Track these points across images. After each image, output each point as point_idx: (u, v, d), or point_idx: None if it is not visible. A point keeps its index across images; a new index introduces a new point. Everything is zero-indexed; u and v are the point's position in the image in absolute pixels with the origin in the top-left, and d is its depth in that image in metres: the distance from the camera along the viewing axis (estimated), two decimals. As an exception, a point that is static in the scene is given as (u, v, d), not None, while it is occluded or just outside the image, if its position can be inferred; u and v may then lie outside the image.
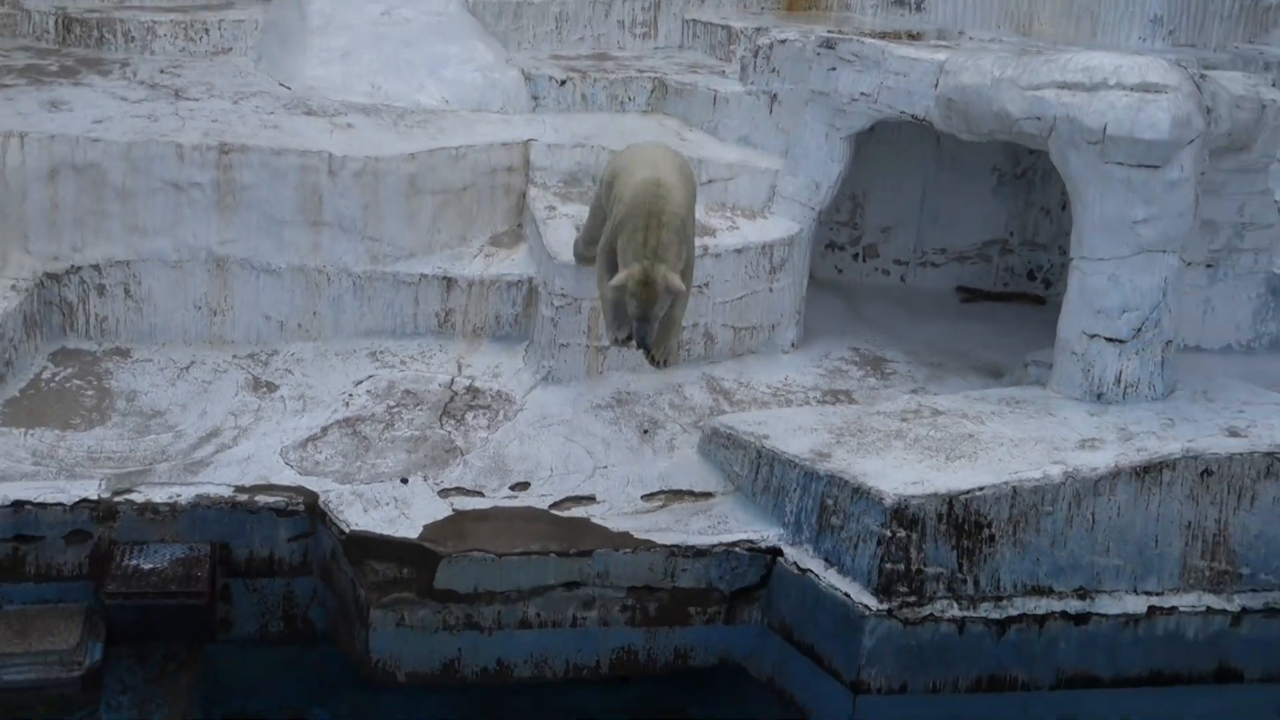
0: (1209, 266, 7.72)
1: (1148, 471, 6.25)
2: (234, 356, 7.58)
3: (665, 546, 6.24)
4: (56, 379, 7.24)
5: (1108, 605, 6.23)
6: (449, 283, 7.75)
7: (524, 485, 6.64)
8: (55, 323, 7.55)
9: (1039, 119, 6.79)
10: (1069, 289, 6.99)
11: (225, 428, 6.96)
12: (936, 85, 7.26)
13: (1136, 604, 6.25)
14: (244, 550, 6.40)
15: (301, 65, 8.82)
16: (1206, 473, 6.31)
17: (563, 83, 8.81)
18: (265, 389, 7.32)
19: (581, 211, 7.75)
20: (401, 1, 9.21)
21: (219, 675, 6.34)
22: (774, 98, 8.23)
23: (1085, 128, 6.62)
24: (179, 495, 6.34)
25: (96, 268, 7.53)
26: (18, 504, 6.17)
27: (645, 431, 7.09)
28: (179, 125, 7.77)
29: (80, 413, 6.98)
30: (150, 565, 6.23)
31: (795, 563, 6.26)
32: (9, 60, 8.85)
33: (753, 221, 7.93)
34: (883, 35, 8.56)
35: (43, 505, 6.19)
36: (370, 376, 7.47)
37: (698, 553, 6.27)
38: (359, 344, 7.72)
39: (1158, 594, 6.31)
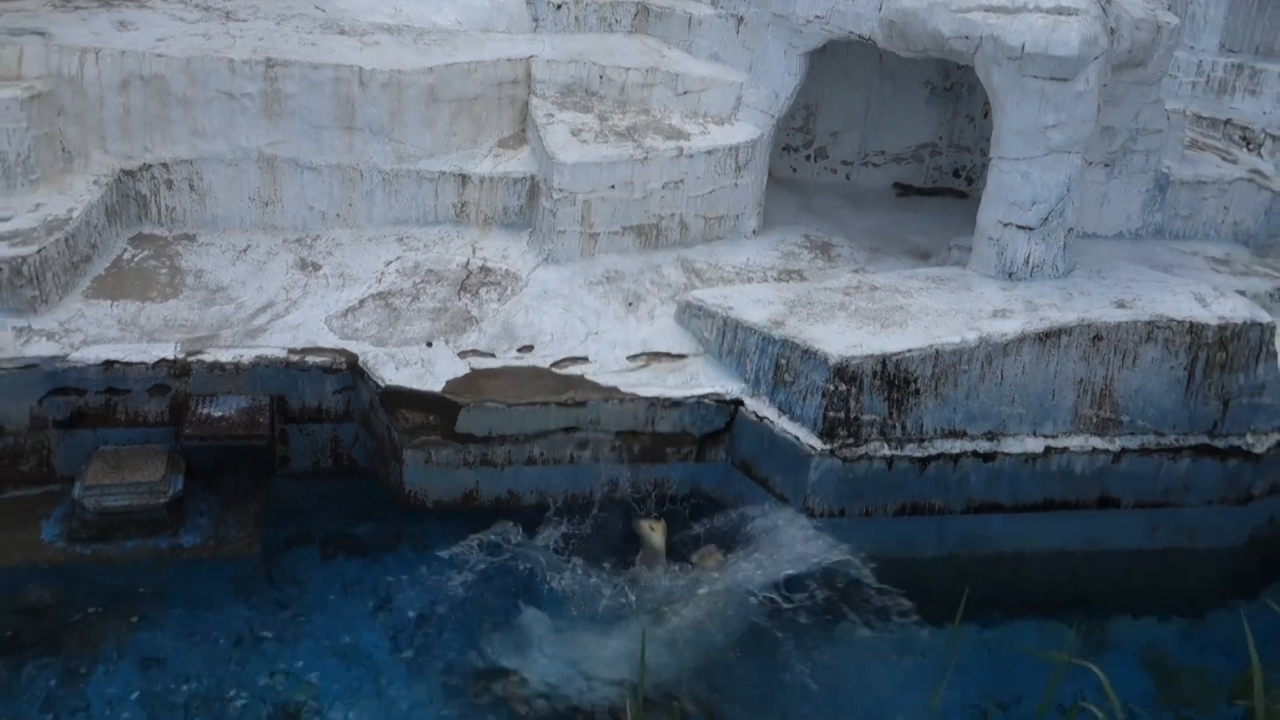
0: (1106, 165, 7.88)
1: (1048, 337, 6.51)
2: (283, 241, 7.72)
3: (647, 398, 6.52)
4: (135, 260, 7.38)
5: (1011, 446, 6.55)
6: (464, 179, 7.88)
7: (529, 348, 6.85)
8: (132, 212, 7.67)
9: (967, 38, 6.89)
10: (988, 184, 7.16)
11: (278, 300, 7.13)
12: (880, 9, 7.33)
13: (1035, 445, 6.57)
14: (297, 401, 6.65)
15: (334, -10, 8.86)
16: (1097, 338, 6.58)
17: (559, 7, 8.86)
18: (311, 268, 7.48)
19: (576, 119, 7.88)
20: (420, -66, 9.20)
21: (280, 503, 6.61)
22: (740, 20, 8.30)
23: (1006, 45, 6.74)
24: (241, 356, 6.57)
25: (165, 165, 7.63)
26: (108, 363, 6.40)
27: (630, 304, 7.30)
28: (230, 43, 7.82)
29: (156, 288, 7.13)
30: (220, 413, 6.49)
31: (754, 411, 6.54)
32: (80, -15, 8.84)
33: (721, 127, 8.04)
34: (835, -35, 8.58)
35: (129, 364, 6.43)
36: (398, 258, 7.63)
37: (674, 403, 6.54)
38: (388, 230, 7.87)
39: (1053, 437, 6.62)
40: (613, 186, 7.53)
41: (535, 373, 6.63)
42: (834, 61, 8.58)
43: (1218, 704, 5.52)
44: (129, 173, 7.59)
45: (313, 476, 6.80)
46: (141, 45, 7.63)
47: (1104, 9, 6.98)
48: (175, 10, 8.42)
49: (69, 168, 7.48)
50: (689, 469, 6.73)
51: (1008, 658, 5.81)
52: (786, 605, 6.10)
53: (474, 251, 7.74)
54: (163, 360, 6.47)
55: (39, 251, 6.64)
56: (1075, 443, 6.62)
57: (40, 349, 6.42)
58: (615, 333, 7.02)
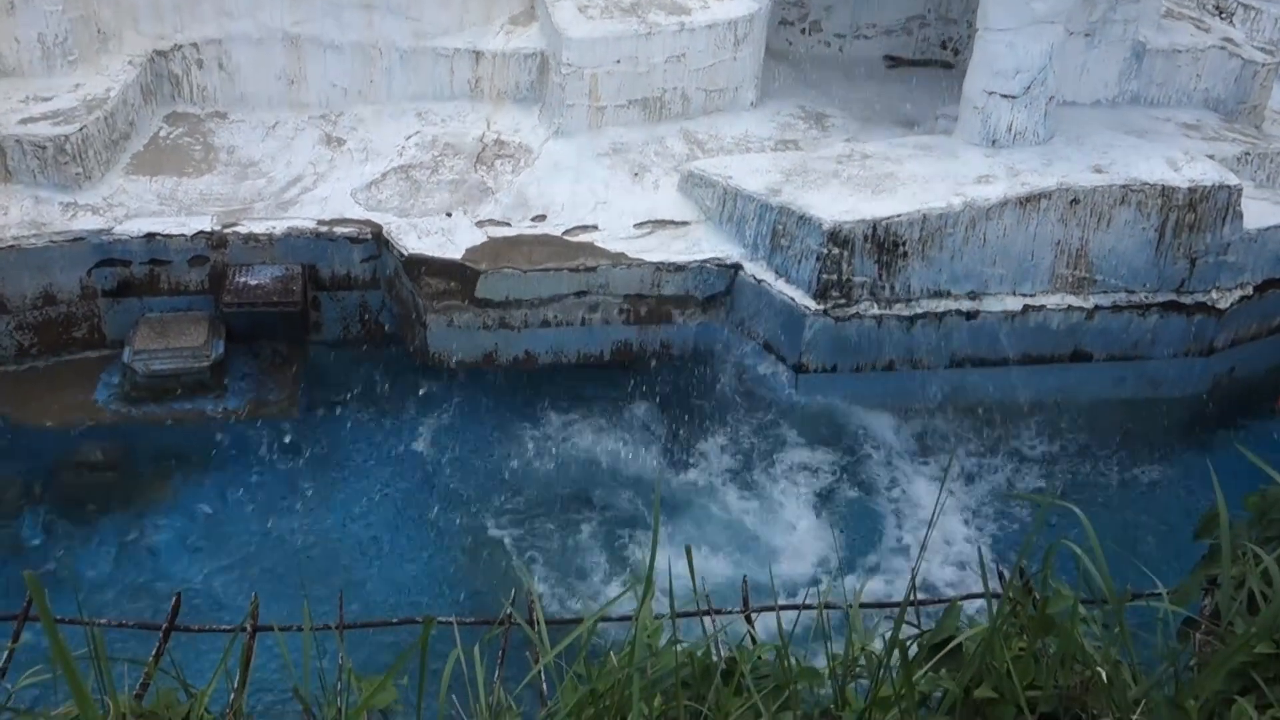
0: (1086, 35, 7.36)
1: (1029, 201, 6.16)
2: (309, 117, 7.30)
3: (652, 263, 6.20)
4: (170, 137, 6.99)
5: (992, 305, 6.25)
6: (477, 55, 7.40)
7: (542, 217, 6.50)
8: (166, 91, 7.23)
9: (956, -89, 6.37)
10: (973, 54, 6.69)
11: (306, 174, 6.76)
12: (873, -117, 6.78)
13: (1015, 303, 6.28)
14: (327, 269, 6.35)
15: None
16: (1075, 201, 6.22)
17: (565, -115, 8.20)
18: (336, 143, 7.08)
19: (583, -5, 7.36)
20: None
21: (314, 367, 6.39)
22: (739, -104, 7.68)
23: (993, -83, 6.22)
24: (274, 227, 6.24)
25: (195, 45, 7.16)
26: (150, 235, 6.10)
27: (636, 174, 6.91)
28: (253, -77, 7.27)
29: (191, 163, 6.77)
30: (256, 281, 6.20)
31: (753, 275, 6.23)
32: None
33: (721, 2, 7.48)
34: None
35: (169, 235, 6.12)
36: (418, 132, 7.22)
37: (677, 268, 6.23)
38: (408, 106, 7.42)
39: (1031, 295, 6.32)
40: (618, 61, 7.05)
41: (548, 240, 6.30)
42: (828, -64, 7.99)
43: (1185, 541, 5.34)
44: (161, 52, 7.12)
45: (344, 342, 6.53)
46: (167, -73, 7.09)
47: (1089, -122, 6.41)
48: (198, -107, 7.80)
49: (104, 48, 7.01)
50: (692, 329, 6.44)
51: (996, 502, 5.63)
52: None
53: (488, 125, 7.31)
54: (201, 232, 6.15)
55: (80, 129, 6.28)
56: (1052, 301, 6.32)
57: (86, 223, 6.11)
58: (622, 202, 6.65)
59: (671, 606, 1.66)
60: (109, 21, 7.04)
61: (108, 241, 6.06)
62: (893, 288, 6.12)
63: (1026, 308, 6.26)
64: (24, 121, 6.28)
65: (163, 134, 6.99)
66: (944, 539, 5.49)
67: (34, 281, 6.02)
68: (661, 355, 6.48)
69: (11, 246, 5.92)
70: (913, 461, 5.99)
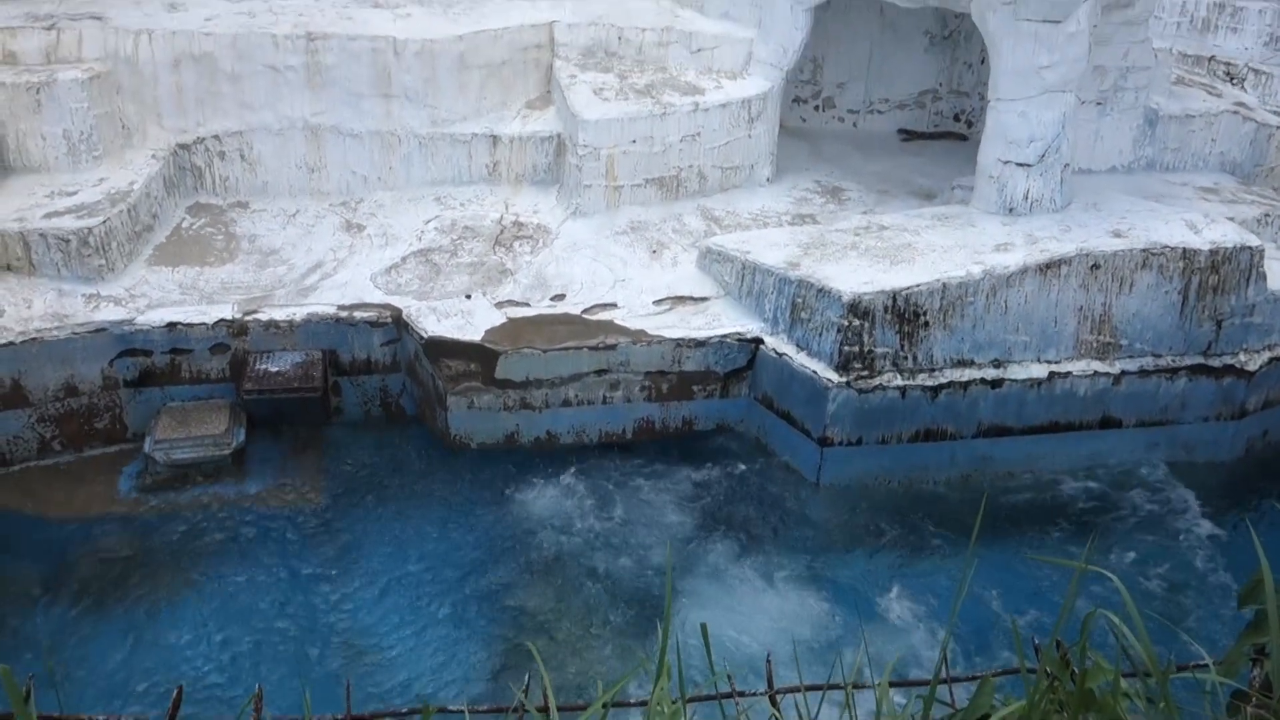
0: (1098, 103, 7.41)
1: (1049, 267, 6.12)
2: (329, 204, 7.39)
3: (673, 339, 6.18)
4: (193, 227, 7.07)
5: (1017, 372, 6.18)
6: (495, 140, 7.50)
7: (561, 296, 6.51)
8: (188, 183, 7.34)
9: (963, -14, 6.44)
10: (987, 125, 6.72)
11: (326, 260, 6.81)
12: (880, -38, 6.88)
13: (1040, 370, 6.20)
14: (348, 354, 6.36)
15: (367, -33, 8.40)
16: (1095, 266, 6.18)
17: (578, -27, 8.38)
18: (355, 229, 7.14)
19: (598, 78, 7.47)
20: (445, -90, 8.71)
21: (335, 451, 6.35)
22: (749, -21, 7.82)
23: (1001, -9, 6.28)
24: (295, 314, 6.27)
25: (217, 138, 7.29)
26: (172, 324, 6.13)
27: (654, 251, 6.93)
28: (273, 19, 7.44)
29: (213, 253, 6.83)
30: (276, 368, 6.21)
31: (774, 348, 6.19)
32: (134, -27, 8.45)
33: (734, 81, 7.60)
34: (836, -77, 8.08)
35: (190, 325, 6.16)
36: (437, 216, 7.28)
37: (698, 343, 6.20)
38: (426, 191, 7.50)
39: (1056, 362, 6.24)
40: (634, 141, 7.13)
41: (568, 319, 6.30)
42: (838, 15, 8.09)
43: (1229, 608, 5.16)
44: (184, 146, 7.25)
45: (365, 425, 6.52)
46: (191, 25, 7.26)
47: (1094, -48, 6.48)
48: (221, -8, 8.01)
49: (129, 143, 7.15)
50: (715, 405, 6.40)
51: (1024, 568, 5.46)
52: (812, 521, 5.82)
53: (507, 208, 7.37)
54: (222, 320, 6.19)
55: (104, 222, 6.37)
56: (1077, 367, 6.23)
57: (109, 314, 6.16)
58: (641, 279, 6.66)
59: (682, 690, 1.58)
60: (133, 117, 7.18)
61: (129, 332, 6.09)
62: (915, 358, 6.05)
63: (1052, 374, 6.18)
64: (49, 216, 6.38)
65: (185, 224, 7.07)
66: (974, 610, 5.32)
67: (56, 373, 6.05)
68: (684, 431, 6.42)
69: (34, 339, 5.95)
70: (940, 532, 5.85)
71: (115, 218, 6.44)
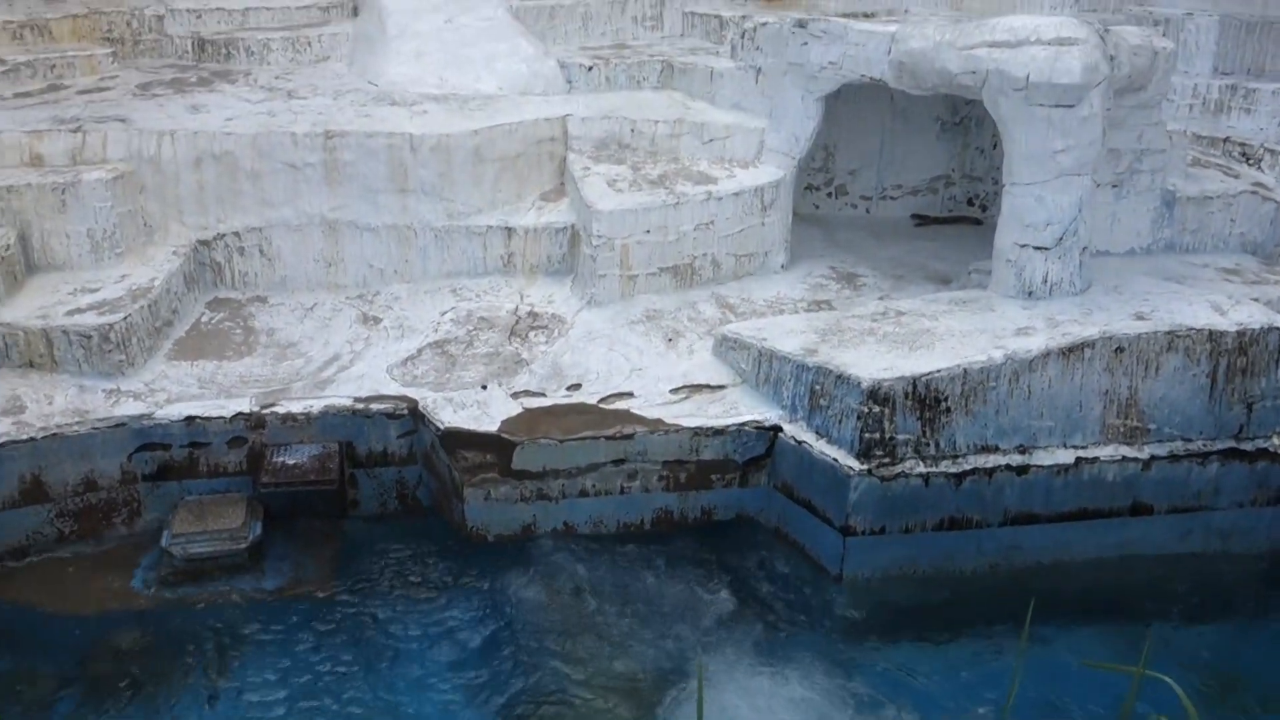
0: (1114, 186, 7.42)
1: (1072, 351, 6.07)
2: (346, 297, 7.45)
3: (690, 428, 6.13)
4: (212, 322, 7.14)
5: (1043, 458, 6.08)
6: (509, 232, 7.57)
7: (577, 386, 6.50)
8: (208, 278, 7.43)
9: (974, 73, 6.51)
10: (1002, 209, 6.73)
11: (343, 353, 6.84)
12: (889, 52, 6.98)
13: (1066, 456, 6.10)
14: (364, 446, 6.34)
15: (384, 66, 8.60)
16: (1119, 350, 6.12)
17: (590, 68, 8.55)
18: (372, 321, 7.19)
19: (611, 170, 7.57)
20: (460, 11, 8.95)
21: (352, 544, 6.29)
22: (759, 70, 7.96)
23: (1012, 77, 6.34)
24: (312, 406, 6.28)
25: (236, 234, 7.40)
26: (189, 418, 6.14)
27: (669, 340, 6.93)
28: (293, 119, 7.60)
29: (232, 347, 6.88)
30: (293, 461, 6.20)
31: (793, 436, 6.13)
32: (158, 75, 8.69)
33: (747, 170, 7.69)
34: (843, 15, 8.24)
35: (208, 418, 6.16)
36: (453, 308, 7.33)
37: (716, 432, 6.15)
38: (442, 283, 7.57)
39: (1083, 447, 6.15)
40: (648, 231, 7.18)
41: (584, 409, 6.27)
42: (848, 103, 8.20)
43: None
44: (204, 242, 7.36)
45: (381, 517, 6.46)
46: (212, 125, 7.43)
47: (1102, 38, 6.55)
48: (242, 92, 8.22)
49: (150, 240, 7.25)
50: (734, 494, 6.32)
51: (1063, 667, 5.29)
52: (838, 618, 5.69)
53: (522, 298, 7.42)
54: (239, 414, 6.20)
55: (125, 319, 6.43)
56: (1105, 452, 6.14)
57: (128, 408, 6.18)
58: (657, 368, 6.65)
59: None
60: (155, 215, 7.31)
61: (148, 426, 6.11)
62: (938, 444, 5.98)
63: (1079, 460, 6.09)
64: (71, 313, 6.45)
65: (205, 319, 7.14)
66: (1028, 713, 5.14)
67: (76, 468, 6.05)
68: (703, 521, 6.34)
69: (55, 434, 5.98)
70: (971, 625, 5.72)
71: (136, 314, 6.51)
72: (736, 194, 7.41)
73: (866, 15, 8.99)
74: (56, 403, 6.18)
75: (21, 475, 5.95)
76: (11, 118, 7.50)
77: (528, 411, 6.20)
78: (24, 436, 5.91)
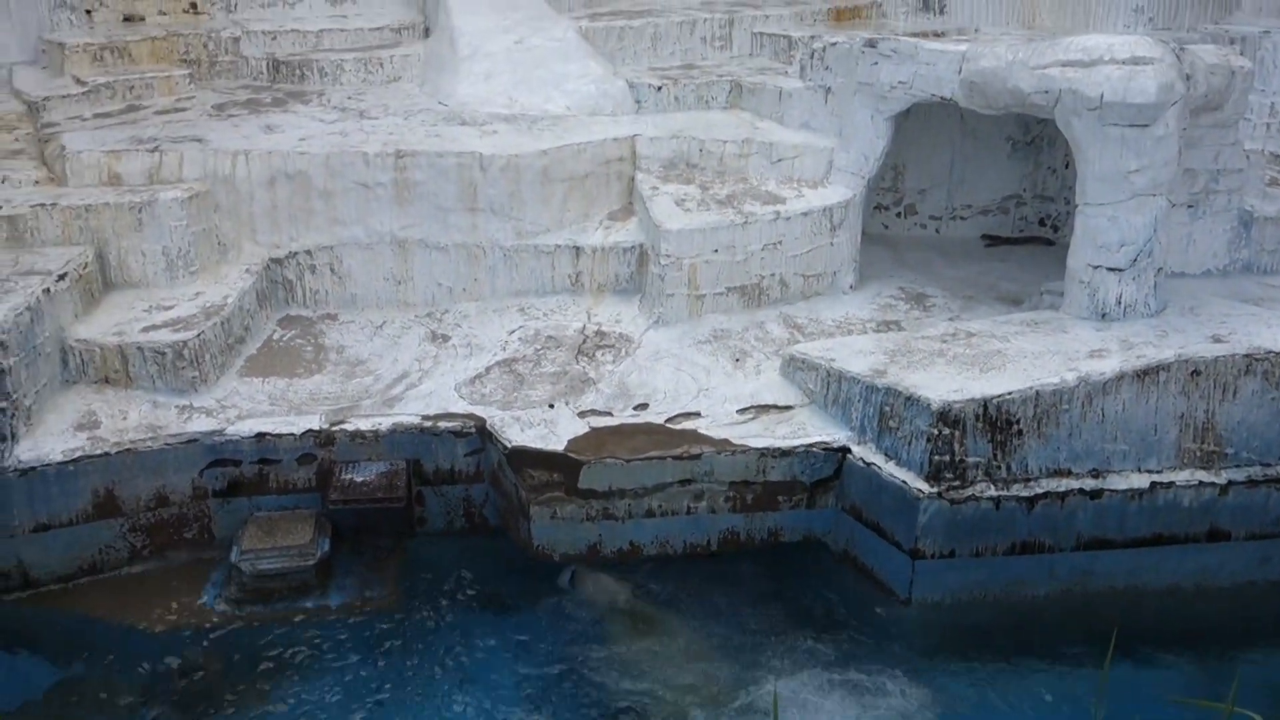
0: (1190, 206, 7.31)
1: (1147, 374, 5.99)
2: (415, 316, 7.55)
3: (758, 449, 6.14)
4: (283, 339, 7.28)
5: (1117, 482, 6.00)
6: (577, 251, 7.64)
7: (644, 405, 6.53)
8: (280, 296, 7.58)
9: (1047, 92, 6.47)
10: (1075, 230, 6.67)
11: (412, 371, 6.94)
12: (960, 71, 6.97)
13: (1141, 480, 6.01)
14: (431, 464, 6.42)
15: (455, 86, 8.73)
16: (1196, 373, 6.03)
17: (659, 88, 8.61)
18: (441, 340, 7.29)
19: (679, 190, 7.61)
20: (530, 32, 9.06)
21: (418, 561, 6.37)
22: (828, 90, 7.96)
23: (1086, 97, 6.30)
24: (380, 424, 6.37)
25: (308, 252, 7.54)
26: (260, 435, 6.27)
27: (737, 360, 6.94)
28: (364, 138, 7.74)
29: (302, 364, 7.01)
30: (361, 478, 6.29)
31: (861, 458, 6.11)
32: (233, 96, 8.90)
33: (815, 190, 7.70)
34: (914, 35, 8.23)
35: (279, 435, 6.28)
36: (520, 326, 7.40)
37: (783, 453, 6.15)
38: (510, 302, 7.65)
39: (1158, 472, 6.05)
40: (716, 250, 7.21)
41: (650, 429, 6.30)
42: (918, 123, 8.18)
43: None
44: (277, 260, 7.51)
45: (447, 535, 6.53)
46: (286, 145, 7.59)
47: (1178, 57, 6.49)
48: (315, 112, 8.40)
49: (224, 258, 7.43)
50: (801, 516, 6.31)
51: (1145, 701, 5.18)
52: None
53: (589, 317, 7.47)
54: (309, 431, 6.32)
55: (198, 336, 6.58)
56: (1181, 477, 6.04)
57: (200, 425, 6.32)
58: (724, 388, 6.66)
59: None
60: (229, 234, 7.48)
61: (219, 442, 6.24)
62: (1009, 467, 5.93)
63: (1154, 485, 5.99)
64: (146, 330, 6.61)
65: (276, 336, 7.28)
66: None
67: (148, 484, 6.20)
68: (770, 543, 6.33)
69: (129, 450, 6.12)
70: (1043, 651, 5.64)
71: (209, 331, 6.65)
72: (805, 214, 7.42)
73: (937, 34, 8.98)
74: (130, 418, 6.33)
75: (95, 490, 6.10)
76: (91, 138, 7.73)
77: (594, 431, 6.24)
78: (98, 451, 6.07)
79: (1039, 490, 5.92)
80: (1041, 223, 8.77)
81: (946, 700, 5.44)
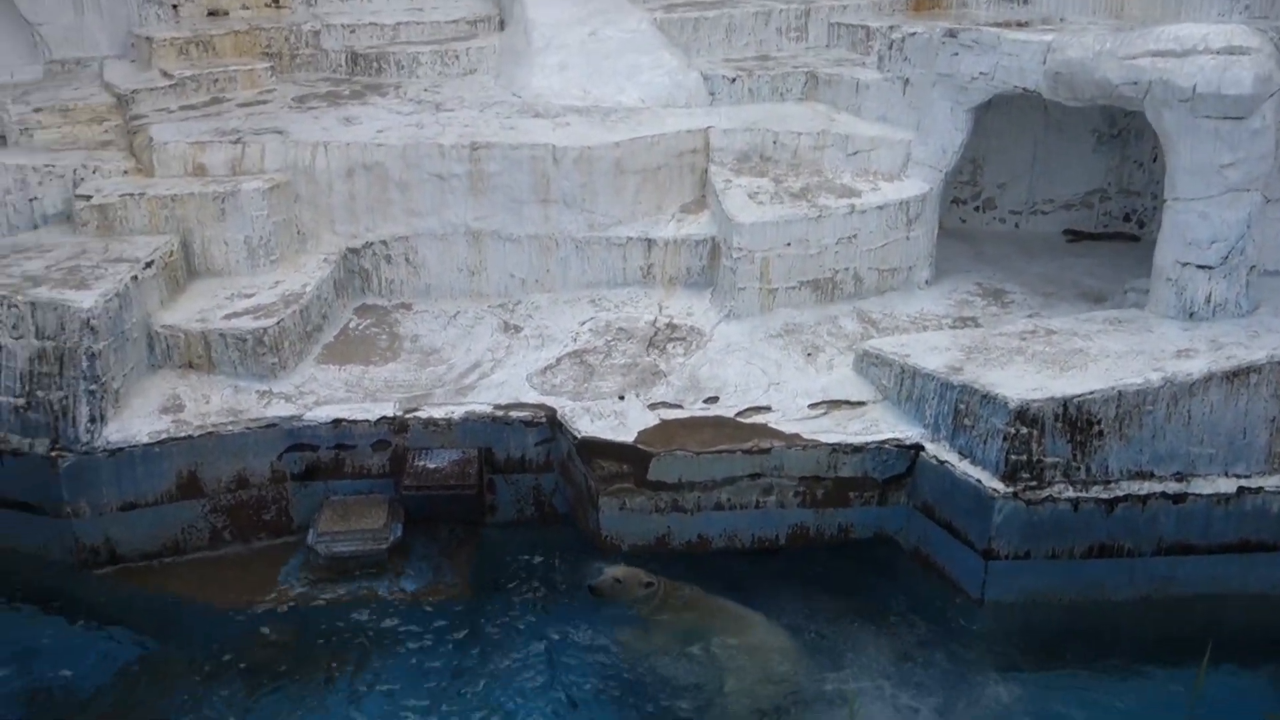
0: (1286, 202, 7.11)
1: (1236, 375, 5.84)
2: (488, 306, 7.64)
3: (829, 444, 6.11)
4: (359, 328, 7.41)
5: (1202, 486, 5.86)
6: (649, 243, 7.66)
7: (714, 399, 6.53)
8: (356, 285, 7.72)
9: (1136, 83, 6.34)
10: (1163, 225, 6.52)
11: (484, 360, 7.02)
12: (1044, 62, 6.85)
13: (1228, 485, 5.87)
14: (503, 453, 6.49)
15: (529, 78, 8.80)
16: (1288, 375, 5.86)
17: (733, 80, 8.58)
18: (513, 330, 7.36)
19: (753, 182, 7.58)
20: (604, 24, 9.09)
21: (489, 549, 6.45)
22: (906, 82, 7.87)
23: (1178, 88, 6.16)
24: (453, 412, 6.47)
25: (384, 243, 7.67)
26: (336, 421, 6.40)
27: (809, 354, 6.91)
28: (440, 130, 7.84)
29: (378, 352, 7.13)
30: (434, 465, 6.39)
31: (935, 456, 6.05)
32: (313, 89, 9.07)
33: (891, 183, 7.62)
34: (996, 24, 8.08)
35: (354, 421, 6.41)
36: (591, 318, 7.44)
37: (855, 449, 6.12)
38: (582, 293, 7.70)
39: (1246, 476, 5.90)
40: (789, 244, 7.18)
41: (721, 422, 6.30)
42: (999, 115, 8.06)
43: None
44: (354, 250, 7.65)
45: (518, 524, 6.61)
46: (364, 137, 7.72)
47: (1276, 46, 6.30)
48: (392, 104, 8.52)
49: (303, 248, 7.59)
50: (872, 513, 6.27)
51: (1235, 715, 5.06)
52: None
53: (660, 310, 7.48)
54: (384, 418, 6.43)
55: (278, 323, 6.73)
56: (1271, 482, 5.88)
57: (279, 410, 6.47)
58: (796, 382, 6.63)
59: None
60: (308, 224, 7.64)
61: (298, 428, 6.39)
62: (1088, 469, 5.82)
63: (1242, 490, 5.84)
64: (228, 317, 6.79)
65: (352, 325, 7.42)
66: None
67: (229, 466, 6.37)
68: (840, 539, 6.30)
69: (211, 433, 6.30)
70: (1122, 658, 5.53)
71: (289, 319, 6.80)
72: (880, 207, 7.35)
73: (1020, 24, 8.79)
74: (213, 403, 6.51)
75: (179, 471, 6.30)
76: (177, 129, 7.94)
77: (664, 423, 6.26)
78: (182, 434, 6.27)
79: (1119, 493, 5.81)
80: (1126, 218, 8.58)
81: (1020, 703, 5.37)
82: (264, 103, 8.65)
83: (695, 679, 5.49)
